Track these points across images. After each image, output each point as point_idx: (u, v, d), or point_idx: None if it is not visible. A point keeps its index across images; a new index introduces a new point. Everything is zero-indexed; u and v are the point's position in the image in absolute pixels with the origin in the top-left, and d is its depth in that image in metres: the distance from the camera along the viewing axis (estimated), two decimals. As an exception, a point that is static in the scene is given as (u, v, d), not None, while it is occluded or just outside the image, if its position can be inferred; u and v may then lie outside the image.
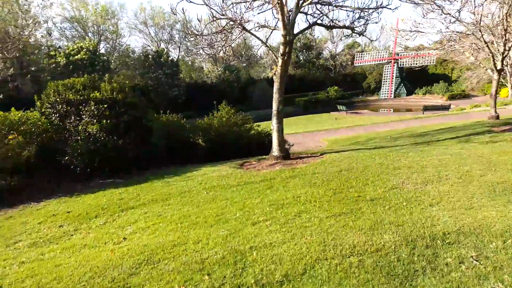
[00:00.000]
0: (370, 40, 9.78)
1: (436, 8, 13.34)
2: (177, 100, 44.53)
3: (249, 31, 8.56)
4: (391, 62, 48.60)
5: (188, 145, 12.16)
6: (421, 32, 14.83)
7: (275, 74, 8.68)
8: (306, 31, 8.87)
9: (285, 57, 8.41)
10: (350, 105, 45.02)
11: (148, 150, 10.48)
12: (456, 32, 14.79)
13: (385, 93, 49.35)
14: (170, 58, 45.10)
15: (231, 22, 7.98)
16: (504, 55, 14.38)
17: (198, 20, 8.56)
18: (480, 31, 13.87)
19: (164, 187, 7.80)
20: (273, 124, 9.04)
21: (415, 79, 49.66)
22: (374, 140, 14.54)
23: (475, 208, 4.60)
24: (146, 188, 7.89)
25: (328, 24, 8.92)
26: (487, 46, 14.20)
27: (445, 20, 13.80)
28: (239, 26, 8.25)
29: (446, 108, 31.35)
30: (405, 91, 48.33)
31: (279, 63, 8.50)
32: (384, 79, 49.82)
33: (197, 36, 8.40)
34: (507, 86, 30.31)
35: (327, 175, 7.06)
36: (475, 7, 13.64)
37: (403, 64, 48.21)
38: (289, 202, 5.65)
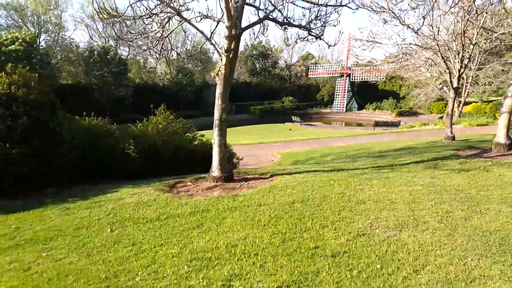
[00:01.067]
0: (328, 45, 8.39)
1: (394, 18, 12.47)
2: (124, 101, 41.56)
3: (187, 21, 6.77)
4: (343, 75, 49.10)
5: (116, 156, 9.99)
6: (378, 42, 13.93)
7: (217, 74, 6.94)
8: (260, 33, 7.24)
9: (230, 54, 6.72)
10: (304, 116, 44.67)
11: (57, 162, 8.22)
12: (414, 44, 14.03)
13: (337, 107, 49.70)
14: (118, 56, 41.93)
15: (162, 4, 6.15)
16: (460, 73, 13.87)
17: (131, 7, 6.67)
18: (437, 45, 13.22)
19: (59, 216, 5.67)
20: (214, 137, 7.28)
21: (365, 94, 50.62)
22: (330, 157, 13.32)
23: (478, 279, 3.18)
24: (33, 217, 5.67)
25: (282, 21, 7.40)
26: (444, 61, 13.60)
27: (404, 30, 12.96)
28: (172, 11, 6.46)
29: (396, 125, 31.55)
30: (356, 106, 49.01)
31: (223, 61, 6.78)
32: (336, 93, 50.22)
33: (115, 18, 6.43)
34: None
35: (276, 209, 5.40)
36: (432, 20, 12.96)
37: (355, 79, 48.90)
38: (219, 256, 3.90)
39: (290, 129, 33.86)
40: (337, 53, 68.85)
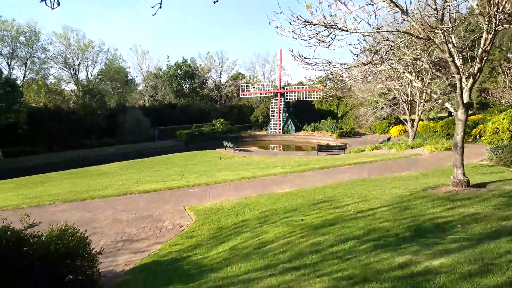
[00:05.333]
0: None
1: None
2: (16, 131, 32.61)
3: None
4: (277, 95, 44.11)
5: None
6: (339, 28, 7.54)
7: None
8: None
9: None
10: (238, 140, 38.42)
11: None
12: (401, 32, 8.13)
13: (273, 129, 44.33)
14: (3, 75, 32.61)
15: None
16: (476, 78, 8.36)
17: None
18: (442, 33, 7.53)
19: None
20: None
21: (301, 114, 46.05)
22: (276, 231, 6.62)
23: None
24: None
25: None
26: (453, 60, 7.97)
27: (377, 14, 6.91)
28: None
29: (341, 148, 26.46)
30: (294, 127, 44.02)
31: None
32: (271, 113, 44.96)
33: None
34: (400, 125, 26.96)
35: None
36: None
37: (290, 98, 44.16)
38: None
39: (220, 158, 27.03)
40: (268, 72, 64.81)
